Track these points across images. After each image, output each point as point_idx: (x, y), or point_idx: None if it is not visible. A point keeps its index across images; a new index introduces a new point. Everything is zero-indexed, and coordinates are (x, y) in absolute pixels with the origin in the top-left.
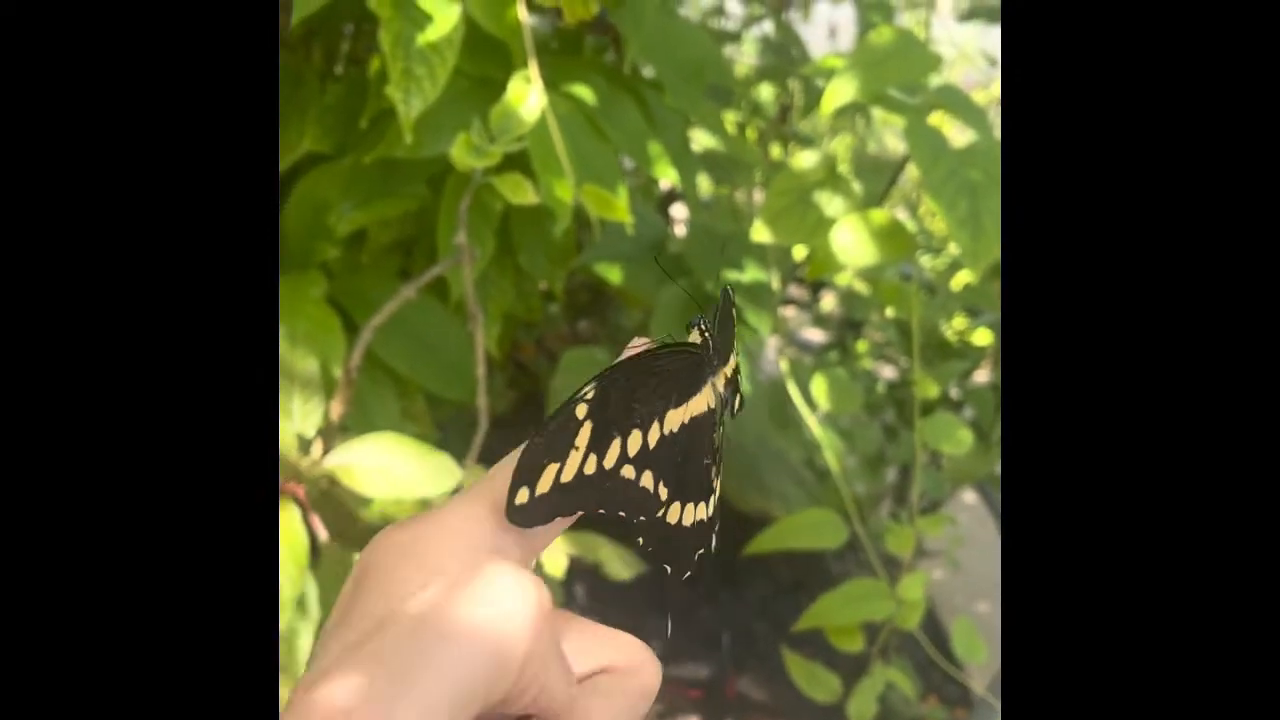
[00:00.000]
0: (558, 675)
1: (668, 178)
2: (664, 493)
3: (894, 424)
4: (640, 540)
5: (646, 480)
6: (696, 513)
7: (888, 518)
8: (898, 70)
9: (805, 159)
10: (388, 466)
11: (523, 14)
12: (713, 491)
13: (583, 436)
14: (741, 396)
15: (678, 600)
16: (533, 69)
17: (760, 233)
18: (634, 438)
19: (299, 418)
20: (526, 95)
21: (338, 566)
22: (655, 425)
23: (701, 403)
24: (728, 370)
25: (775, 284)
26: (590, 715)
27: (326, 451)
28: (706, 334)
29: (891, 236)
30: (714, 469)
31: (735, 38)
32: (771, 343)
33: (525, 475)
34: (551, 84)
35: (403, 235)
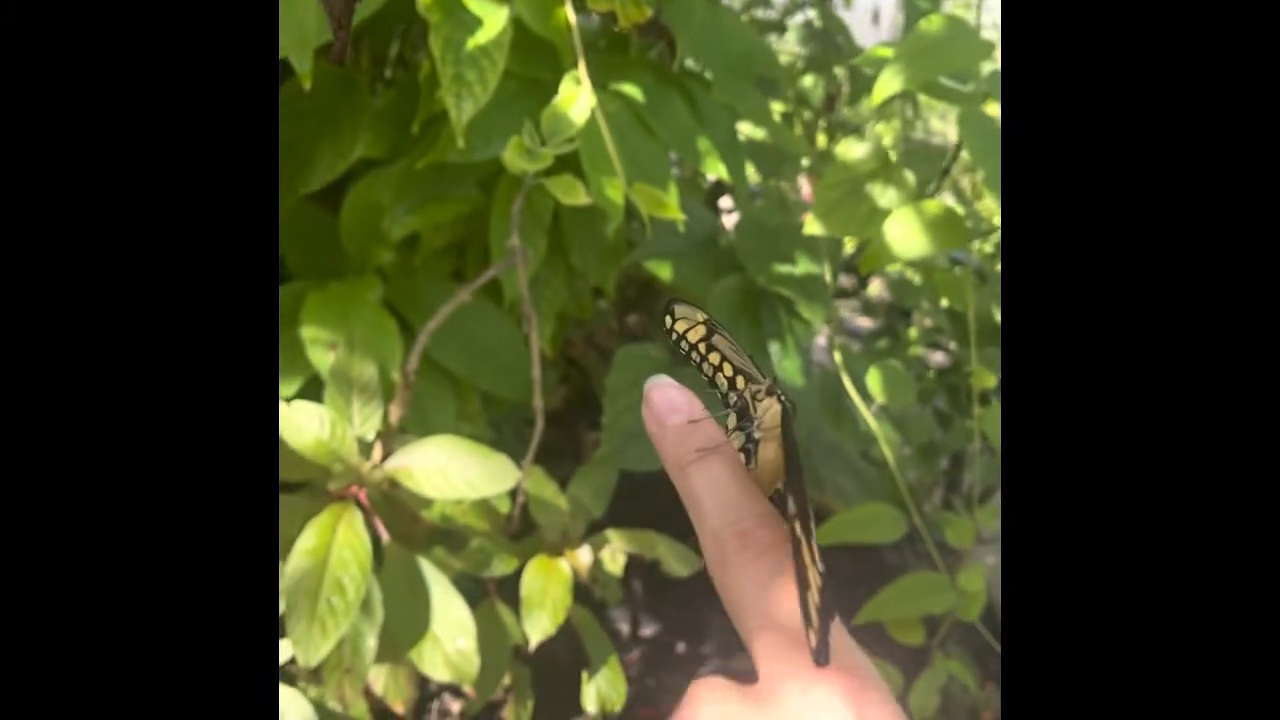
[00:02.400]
0: None
1: (716, 172)
2: None
3: (947, 411)
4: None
5: None
6: None
7: (940, 506)
8: (949, 58)
9: (856, 150)
10: (447, 468)
11: (571, 15)
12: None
13: (808, 552)
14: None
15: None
16: (581, 69)
17: (813, 225)
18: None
19: (358, 421)
20: (576, 96)
21: (401, 568)
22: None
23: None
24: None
25: (828, 276)
26: None
27: (386, 455)
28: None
29: (946, 226)
30: None
31: (779, 27)
32: (823, 334)
33: (825, 617)
34: (600, 83)
35: (456, 238)
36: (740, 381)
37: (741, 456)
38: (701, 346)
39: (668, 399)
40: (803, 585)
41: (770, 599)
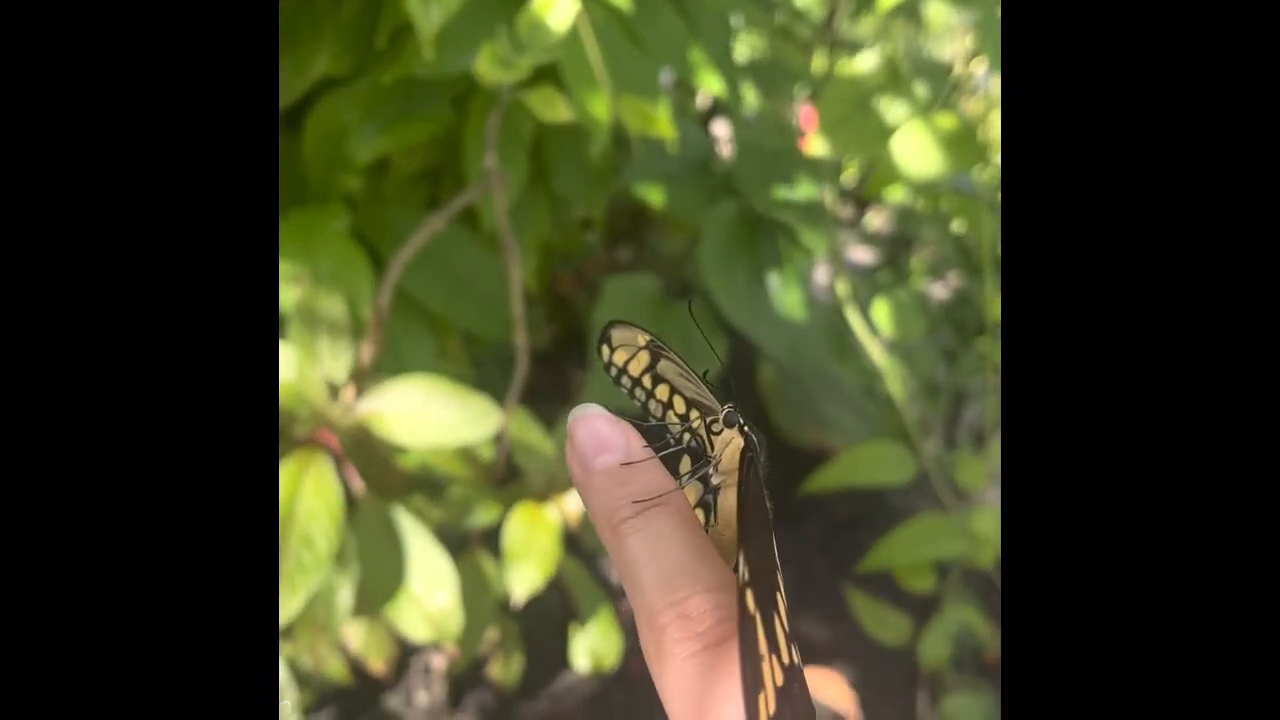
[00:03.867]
0: None
1: (710, 87)
2: None
3: (953, 347)
4: None
5: None
6: None
7: (944, 445)
8: None
9: (863, 62)
10: (424, 411)
11: None
12: None
13: (764, 639)
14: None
15: None
16: None
17: (816, 144)
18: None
19: (327, 362)
20: (556, 1)
21: (375, 519)
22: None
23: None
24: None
25: (829, 201)
26: None
27: (359, 397)
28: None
29: (958, 144)
30: None
31: None
32: (822, 267)
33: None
34: None
35: (429, 162)
36: (695, 415)
37: (700, 513)
38: (646, 380)
39: (595, 434)
40: (750, 686)
41: (712, 711)
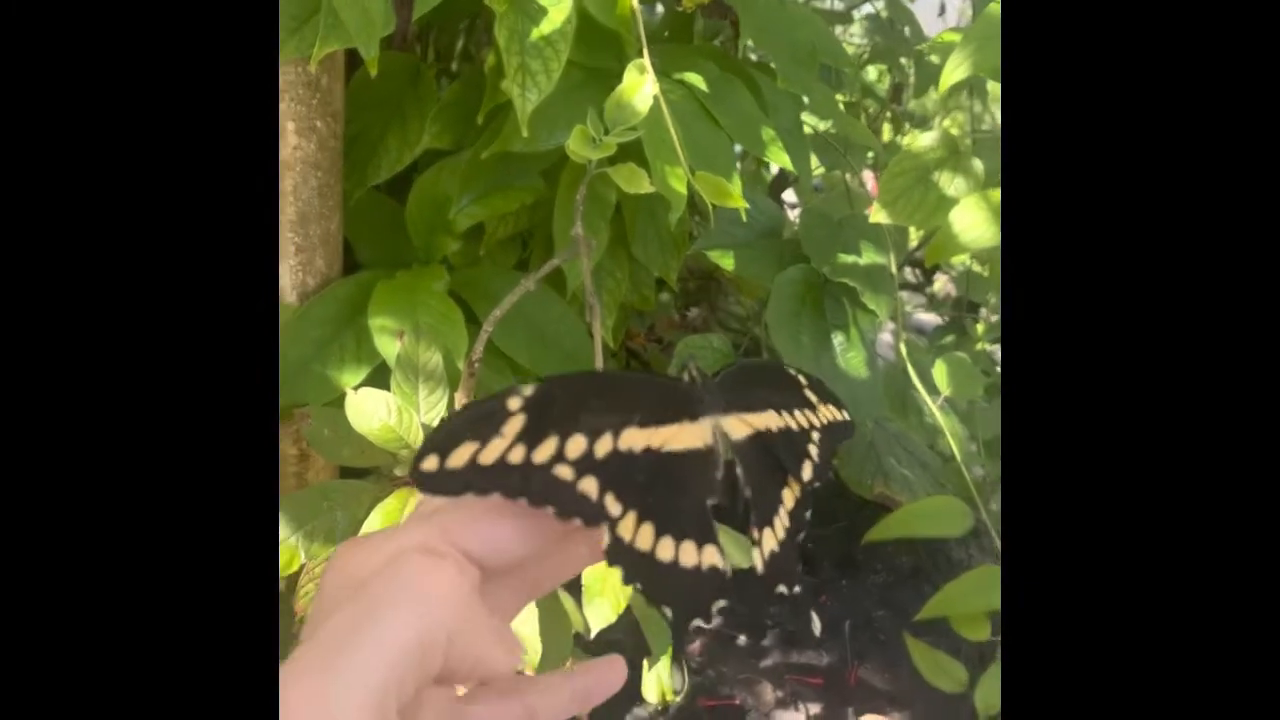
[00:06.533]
0: (490, 646)
1: (780, 162)
2: (615, 507)
3: None
4: (608, 562)
5: (588, 486)
6: (702, 555)
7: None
8: None
9: (924, 138)
10: None
11: (634, 3)
12: (725, 538)
13: (512, 426)
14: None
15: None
16: (645, 58)
17: (879, 214)
18: (575, 442)
19: (424, 409)
20: (640, 85)
21: None
22: (607, 438)
23: (688, 437)
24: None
25: (893, 267)
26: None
27: None
28: (694, 375)
29: None
30: (736, 514)
31: (845, 18)
32: (887, 327)
33: (437, 444)
34: (663, 72)
35: (520, 228)
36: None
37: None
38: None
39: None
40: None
41: None
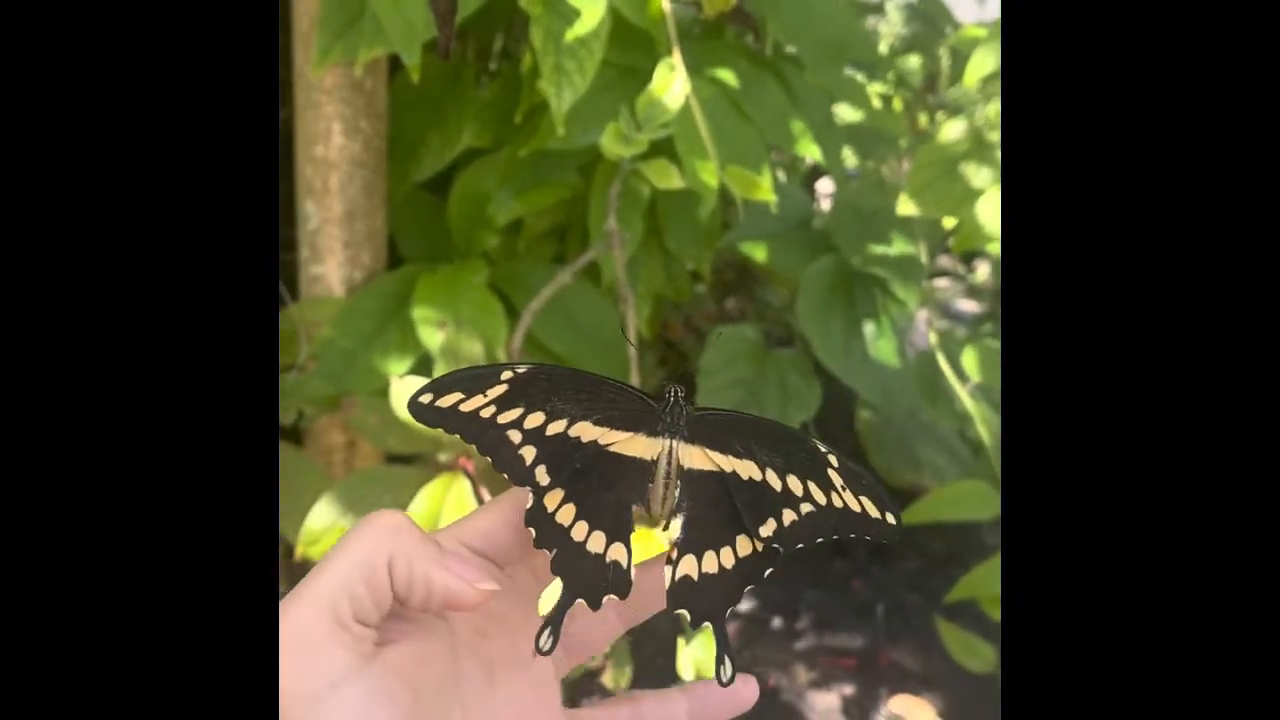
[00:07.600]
0: (434, 568)
1: (812, 154)
2: (544, 478)
3: None
4: (525, 522)
5: (526, 452)
6: (610, 550)
7: None
8: None
9: (952, 130)
10: None
11: (665, 4)
12: (634, 541)
13: (494, 391)
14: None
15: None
16: (676, 56)
17: (906, 205)
18: (534, 417)
19: None
20: (671, 82)
21: None
22: (561, 422)
23: (637, 447)
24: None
25: (923, 257)
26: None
27: None
28: (671, 399)
29: None
30: (665, 523)
31: (879, 9)
32: (921, 315)
33: (437, 387)
34: (695, 69)
35: (557, 223)
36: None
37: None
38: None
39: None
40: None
41: None
